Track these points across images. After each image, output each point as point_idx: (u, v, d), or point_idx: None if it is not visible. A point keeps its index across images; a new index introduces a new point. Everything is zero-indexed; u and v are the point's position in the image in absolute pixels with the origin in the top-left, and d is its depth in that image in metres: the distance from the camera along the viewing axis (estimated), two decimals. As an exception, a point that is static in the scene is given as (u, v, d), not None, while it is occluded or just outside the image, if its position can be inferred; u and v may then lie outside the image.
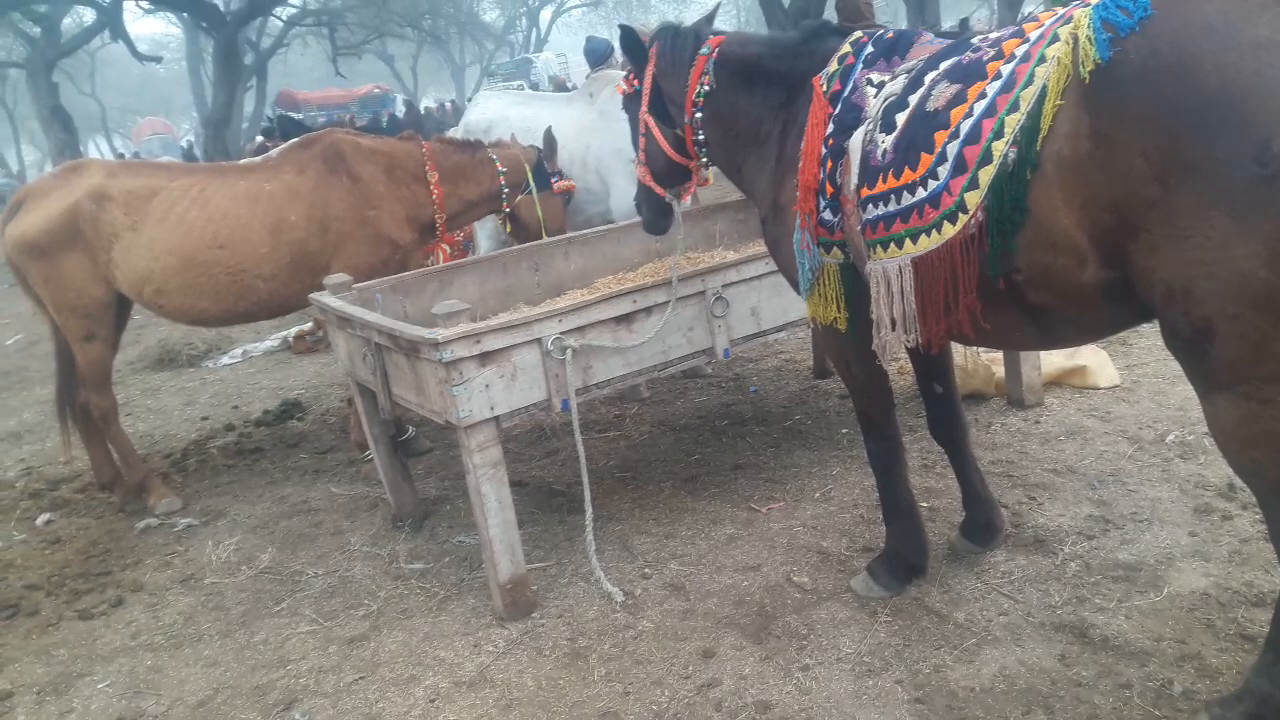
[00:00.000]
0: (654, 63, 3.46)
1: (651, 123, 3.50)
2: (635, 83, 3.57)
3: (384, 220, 5.04)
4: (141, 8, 24.64)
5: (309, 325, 8.41)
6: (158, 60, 27.74)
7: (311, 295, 4.42)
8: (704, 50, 3.32)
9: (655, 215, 3.74)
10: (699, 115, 3.34)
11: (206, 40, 25.49)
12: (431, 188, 5.16)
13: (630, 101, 3.65)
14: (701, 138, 3.38)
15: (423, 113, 27.44)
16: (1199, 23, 2.02)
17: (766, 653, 3.14)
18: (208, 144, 21.36)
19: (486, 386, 3.35)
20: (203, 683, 3.48)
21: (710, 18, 3.64)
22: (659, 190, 3.63)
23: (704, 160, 3.50)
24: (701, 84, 3.30)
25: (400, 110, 29.95)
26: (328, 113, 29.60)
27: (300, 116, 23.20)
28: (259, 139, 17.77)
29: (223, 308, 5.03)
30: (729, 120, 3.29)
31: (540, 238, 5.42)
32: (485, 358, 3.34)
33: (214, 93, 22.08)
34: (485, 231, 6.84)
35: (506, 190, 5.40)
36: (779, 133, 3.13)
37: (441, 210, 5.21)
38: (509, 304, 4.77)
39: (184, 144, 35.05)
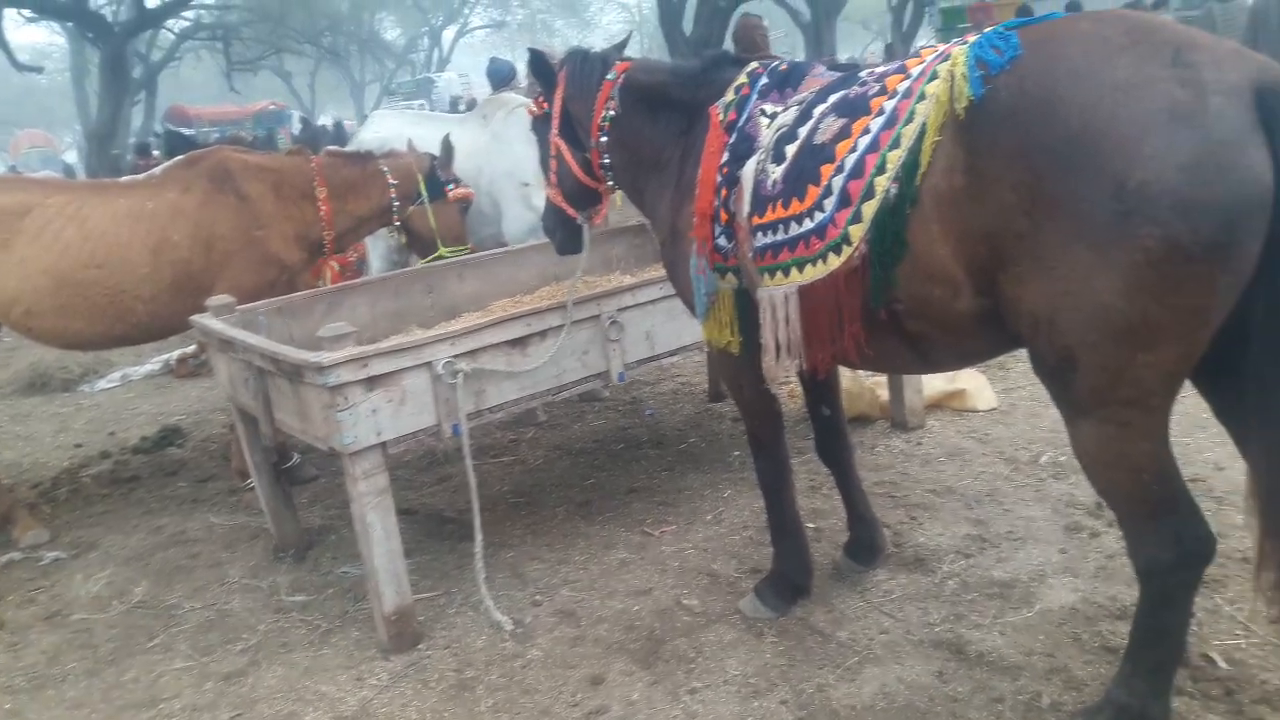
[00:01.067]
0: (563, 86, 3.48)
1: (562, 145, 3.52)
2: (545, 105, 3.59)
3: (272, 240, 4.90)
4: (23, 16, 23.56)
5: (192, 348, 8.11)
6: (39, 70, 26.52)
7: (193, 317, 4.27)
8: (610, 76, 3.35)
9: (567, 236, 3.75)
10: (605, 140, 3.37)
11: (92, 51, 24.54)
12: (320, 204, 5.01)
13: (540, 124, 3.66)
14: (607, 161, 3.41)
15: (319, 130, 26.86)
16: (1063, 64, 2.12)
17: (655, 677, 3.15)
18: (91, 159, 20.51)
19: (373, 411, 3.28)
20: (66, 726, 3.30)
21: (621, 45, 3.69)
22: (571, 212, 3.64)
23: (610, 184, 3.53)
24: (607, 109, 3.33)
25: (296, 127, 29.29)
26: (221, 129, 28.75)
27: (192, 133, 22.46)
28: (131, 157, 17.15)
29: (98, 330, 4.82)
30: (633, 145, 3.33)
31: (436, 249, 5.30)
32: (372, 382, 3.27)
33: (99, 106, 21.22)
34: (378, 252, 6.72)
35: (398, 203, 5.20)
36: (679, 159, 3.18)
37: (330, 228, 5.06)
38: (401, 327, 4.69)
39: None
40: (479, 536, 3.59)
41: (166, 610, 4.02)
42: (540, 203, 5.84)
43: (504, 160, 6.00)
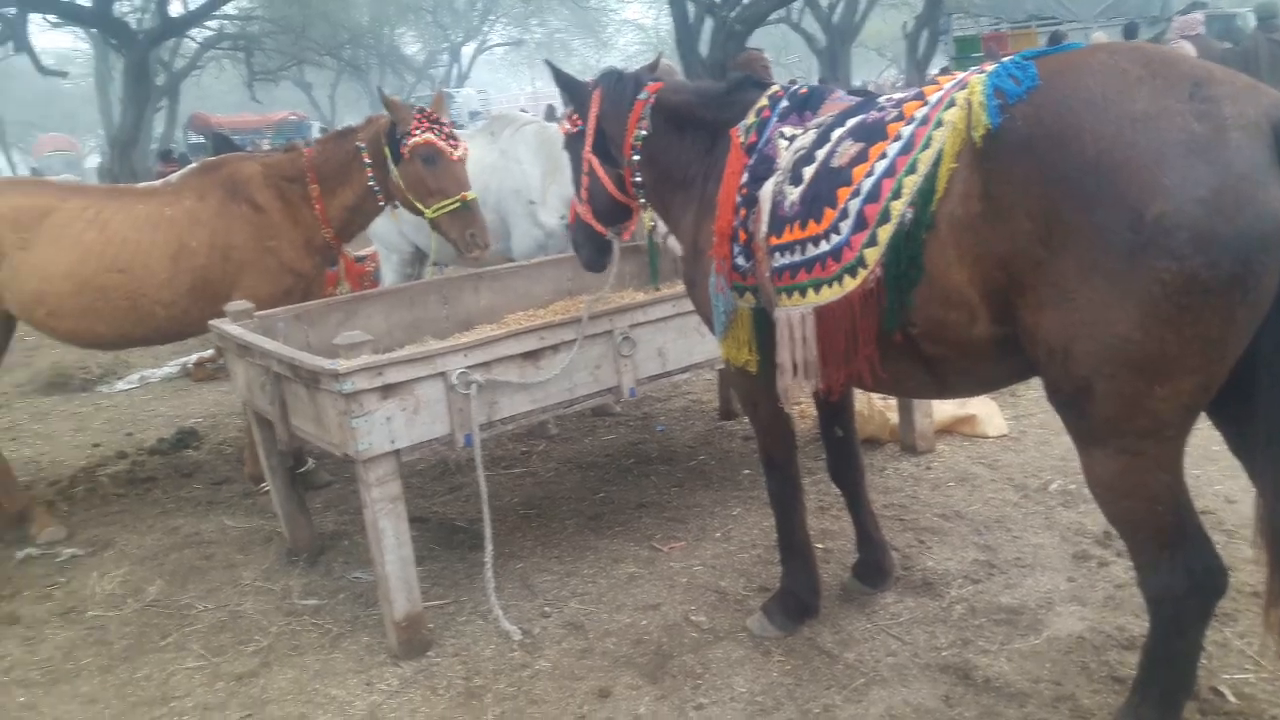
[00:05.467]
0: (598, 104, 3.53)
1: (595, 162, 3.56)
2: (579, 123, 3.64)
3: (284, 250, 4.91)
4: (49, 21, 23.86)
5: (210, 352, 8.19)
6: (63, 75, 26.81)
7: (212, 322, 4.33)
8: (642, 96, 3.41)
9: (595, 253, 3.79)
10: (636, 158, 3.42)
11: (116, 58, 24.83)
12: (314, 203, 4.88)
13: (573, 141, 3.71)
14: (639, 179, 3.46)
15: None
16: (1081, 95, 2.15)
17: (662, 692, 3.17)
18: (113, 164, 20.72)
19: (387, 419, 3.33)
20: (78, 720, 3.34)
21: (653, 66, 3.76)
22: (600, 228, 3.68)
23: (642, 201, 3.56)
24: (639, 128, 3.38)
25: (316, 138, 29.50)
26: (241, 138, 29.03)
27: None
28: (158, 166, 17.34)
29: (119, 332, 4.89)
30: (661, 163, 3.38)
31: (421, 213, 4.76)
32: (387, 390, 3.32)
33: (122, 112, 21.46)
34: (390, 264, 6.77)
35: (374, 183, 4.79)
36: (702, 178, 3.23)
37: (326, 225, 4.93)
38: (416, 337, 4.74)
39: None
40: (489, 546, 3.62)
41: (180, 610, 4.07)
42: (546, 220, 5.94)
43: (511, 178, 6.04)
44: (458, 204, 4.65)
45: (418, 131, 4.58)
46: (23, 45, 21.63)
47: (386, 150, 4.70)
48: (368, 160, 4.76)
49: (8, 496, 4.97)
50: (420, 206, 4.69)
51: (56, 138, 44.62)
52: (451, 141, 4.66)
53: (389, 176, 4.74)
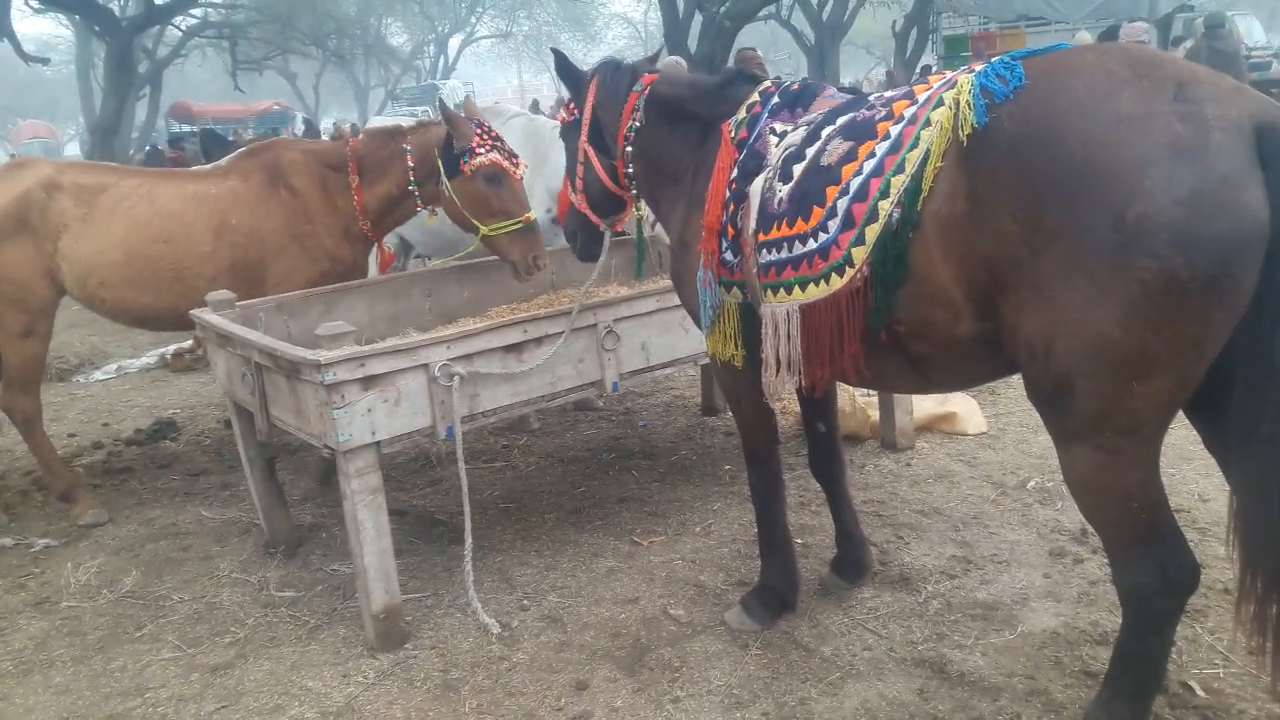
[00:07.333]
0: (594, 94, 3.53)
1: (591, 152, 3.56)
2: (575, 112, 3.64)
3: (318, 236, 4.87)
4: (31, 7, 23.61)
5: (189, 343, 8.13)
6: (45, 62, 26.56)
7: (192, 312, 4.30)
8: (637, 87, 3.41)
9: (589, 243, 3.79)
10: (629, 149, 3.42)
11: (99, 45, 24.61)
12: (354, 193, 4.85)
13: (569, 130, 3.71)
14: (630, 170, 3.46)
15: (318, 134, 26.87)
16: (1067, 96, 2.16)
17: (639, 685, 3.17)
18: (94, 151, 20.55)
19: (369, 411, 3.31)
20: (51, 712, 3.31)
21: (654, 58, 3.76)
22: (594, 219, 3.68)
23: (634, 192, 3.57)
24: (633, 119, 3.39)
25: (299, 128, 29.34)
26: (223, 127, 28.85)
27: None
28: (147, 148, 17.24)
29: (164, 305, 4.83)
30: (653, 156, 3.38)
31: (477, 230, 4.64)
32: (369, 381, 3.30)
33: (104, 99, 21.29)
34: (372, 256, 6.73)
35: (415, 185, 4.71)
36: (692, 172, 3.24)
37: (364, 215, 4.87)
38: (398, 329, 4.71)
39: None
40: (469, 539, 3.61)
41: (156, 601, 4.04)
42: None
43: None
44: (520, 225, 4.59)
45: (481, 150, 4.52)
46: (4, 31, 21.36)
47: (439, 163, 4.64)
48: (411, 164, 4.72)
49: (53, 476, 5.01)
50: (476, 223, 4.63)
51: (36, 125, 44.18)
52: (514, 160, 4.63)
53: (437, 187, 4.69)
